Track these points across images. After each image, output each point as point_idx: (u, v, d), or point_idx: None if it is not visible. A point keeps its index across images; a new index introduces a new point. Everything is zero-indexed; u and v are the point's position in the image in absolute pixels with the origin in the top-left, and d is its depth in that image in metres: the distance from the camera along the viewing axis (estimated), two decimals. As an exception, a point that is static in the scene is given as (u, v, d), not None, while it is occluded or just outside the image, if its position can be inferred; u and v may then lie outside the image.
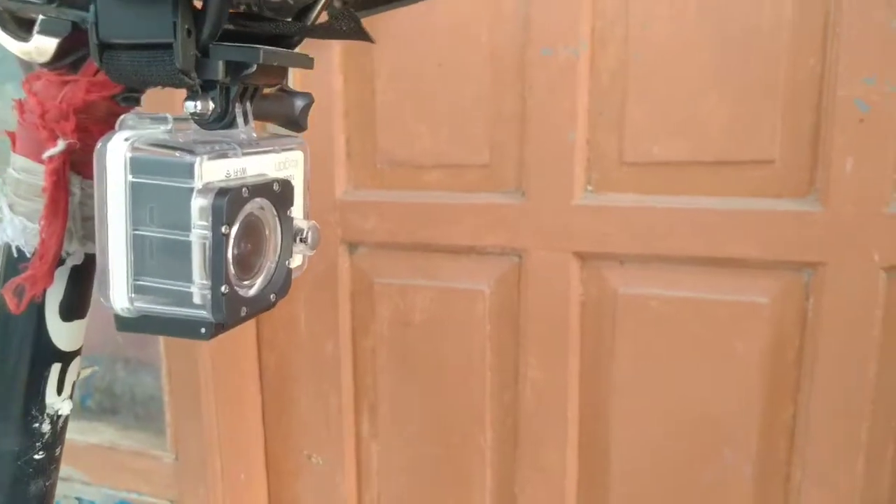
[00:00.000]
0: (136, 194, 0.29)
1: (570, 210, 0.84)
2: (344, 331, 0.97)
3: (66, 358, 0.37)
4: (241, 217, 0.30)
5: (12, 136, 0.33)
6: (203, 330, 0.31)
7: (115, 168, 0.29)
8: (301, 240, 0.35)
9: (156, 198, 0.29)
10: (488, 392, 0.93)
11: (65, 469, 1.03)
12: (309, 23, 0.33)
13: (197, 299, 0.30)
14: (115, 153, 0.29)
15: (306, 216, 0.37)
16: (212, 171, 0.29)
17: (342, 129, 0.93)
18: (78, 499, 1.05)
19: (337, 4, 0.38)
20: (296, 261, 0.37)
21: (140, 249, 0.30)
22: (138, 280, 0.30)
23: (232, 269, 0.30)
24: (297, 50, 0.34)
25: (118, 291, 0.30)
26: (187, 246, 0.29)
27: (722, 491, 0.84)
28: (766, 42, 0.74)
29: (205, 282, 0.29)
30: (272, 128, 0.53)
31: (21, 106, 0.33)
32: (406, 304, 0.94)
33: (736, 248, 0.78)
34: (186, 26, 0.28)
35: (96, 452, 1.03)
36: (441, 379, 0.94)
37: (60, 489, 1.05)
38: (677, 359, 0.83)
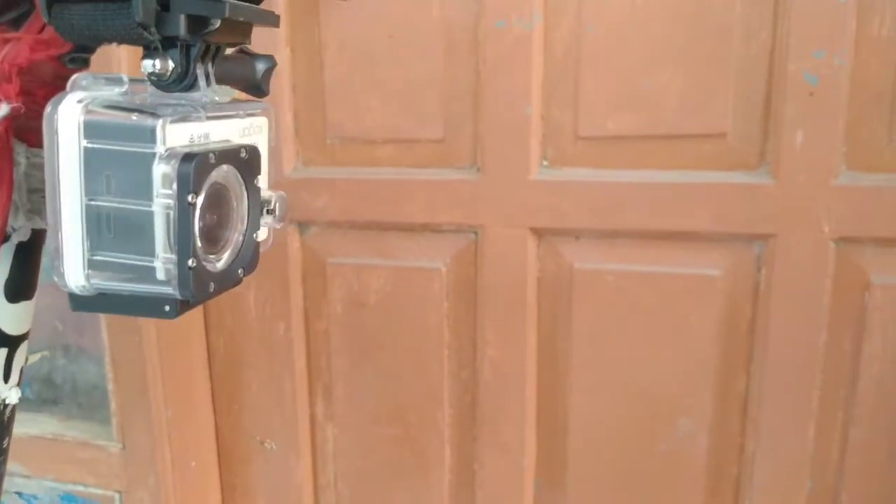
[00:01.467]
0: (92, 161, 0.27)
1: (527, 185, 0.84)
2: (296, 312, 0.95)
3: (13, 342, 0.34)
4: (207, 185, 0.28)
5: (-51, 99, 0.30)
6: (167, 308, 0.29)
7: (67, 133, 0.27)
8: (268, 211, 0.33)
9: (113, 165, 0.27)
10: (446, 370, 0.92)
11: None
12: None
13: (161, 275, 0.28)
14: (68, 117, 0.27)
15: (270, 186, 0.36)
16: (175, 135, 0.27)
17: (290, 105, 0.90)
18: (18, 493, 1.00)
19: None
20: (261, 234, 0.35)
21: (96, 222, 0.28)
22: (95, 255, 0.28)
23: (199, 242, 0.28)
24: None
25: (72, 268, 0.28)
26: (149, 217, 0.27)
27: (677, 461, 0.86)
28: (718, 16, 0.75)
29: (169, 256, 0.27)
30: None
31: (-43, 65, 0.30)
32: (360, 285, 0.92)
33: (689, 222, 0.79)
34: (145, -24, 0.26)
35: (37, 444, 0.98)
36: (398, 359, 0.93)
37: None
38: (633, 332, 0.84)
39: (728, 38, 0.75)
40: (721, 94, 0.76)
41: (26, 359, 0.36)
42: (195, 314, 0.96)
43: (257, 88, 0.36)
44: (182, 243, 0.27)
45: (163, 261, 0.27)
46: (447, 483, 0.95)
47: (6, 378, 0.34)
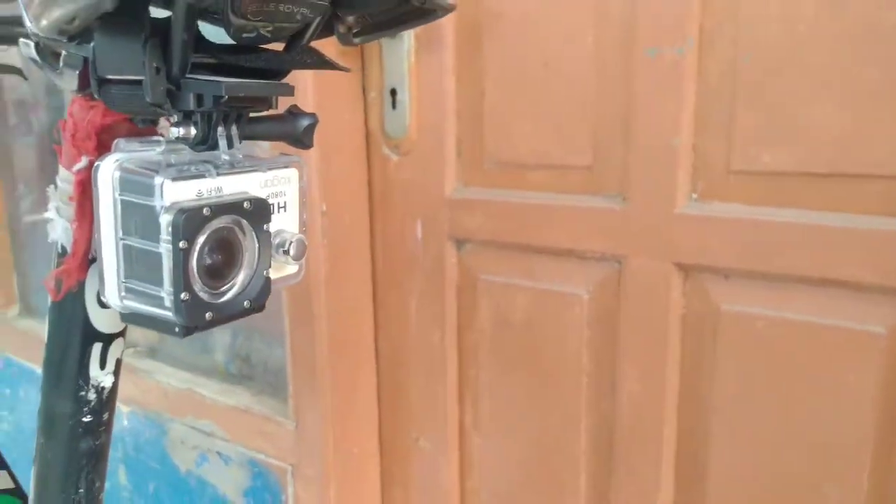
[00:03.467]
0: (122, 208, 0.34)
1: (673, 218, 0.81)
2: (450, 323, 1.00)
3: (107, 339, 0.44)
4: (206, 233, 0.34)
5: (59, 149, 0.40)
6: (177, 329, 0.35)
7: (105, 185, 0.34)
8: (284, 252, 0.38)
9: (136, 213, 0.34)
10: (584, 398, 0.91)
11: (209, 425, 1.17)
12: (291, 55, 0.36)
13: (167, 303, 0.34)
14: (106, 172, 0.34)
15: (302, 227, 0.41)
16: (180, 190, 0.33)
17: (453, 129, 0.95)
18: (219, 453, 1.18)
19: (342, 30, 0.40)
20: (289, 269, 0.40)
21: (127, 256, 0.35)
22: (126, 282, 0.35)
23: (197, 278, 0.34)
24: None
25: (111, 291, 0.35)
26: (159, 256, 0.34)
27: (825, 532, 0.77)
28: (888, 44, 0.66)
29: (170, 288, 0.34)
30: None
31: (63, 125, 0.39)
32: (507, 303, 0.95)
33: (850, 271, 0.71)
34: (155, 64, 0.32)
35: (235, 413, 1.15)
36: (539, 380, 0.95)
37: (204, 442, 1.19)
38: (782, 384, 0.77)
39: (909, 67, 0.66)
40: (889, 131, 0.67)
41: (122, 352, 0.45)
42: (365, 318, 1.06)
43: (300, 142, 0.41)
44: (175, 280, 0.33)
45: (167, 292, 0.34)
46: (581, 510, 0.95)
47: (102, 366, 0.44)
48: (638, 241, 0.83)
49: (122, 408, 1.35)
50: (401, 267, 1.03)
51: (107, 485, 1.36)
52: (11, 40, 0.40)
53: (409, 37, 0.95)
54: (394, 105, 0.99)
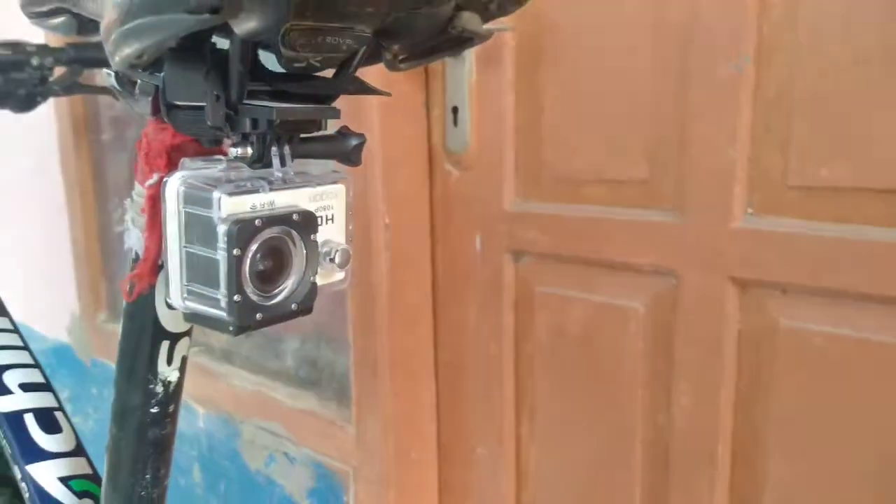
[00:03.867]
0: (186, 220, 0.38)
1: (729, 233, 0.81)
2: (507, 335, 1.02)
3: (174, 337, 0.48)
4: (258, 241, 0.37)
5: (135, 167, 0.44)
6: (231, 328, 0.39)
7: (171, 199, 0.38)
8: (331, 260, 0.42)
9: (198, 223, 0.38)
10: (640, 412, 0.92)
11: (277, 427, 1.22)
12: (336, 81, 0.40)
13: (222, 304, 0.38)
14: (172, 187, 0.38)
15: (348, 239, 0.44)
16: (236, 204, 0.37)
17: (512, 145, 0.98)
18: (286, 453, 1.23)
19: (388, 57, 0.43)
20: (336, 276, 0.44)
21: (189, 262, 0.39)
22: (188, 286, 0.39)
23: (248, 282, 0.38)
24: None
25: (175, 293, 0.39)
26: (216, 262, 0.37)
27: (886, 557, 0.75)
28: (949, 57, 0.65)
29: (225, 291, 0.37)
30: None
31: (138, 145, 0.44)
32: (563, 315, 0.96)
33: (910, 288, 0.69)
34: (215, 92, 0.36)
35: (301, 416, 1.20)
36: (594, 392, 0.95)
37: (273, 443, 1.24)
38: (840, 401, 0.76)
39: (974, 80, 0.65)
40: (952, 146, 0.66)
41: (188, 350, 0.49)
42: (425, 328, 1.09)
43: (349, 160, 0.44)
44: (229, 283, 0.37)
45: (222, 294, 0.37)
46: (636, 524, 0.95)
47: (169, 363, 0.48)
48: (694, 255, 0.84)
49: (198, 409, 1.43)
50: (460, 279, 1.06)
51: (182, 482, 1.44)
52: (105, 63, 0.45)
53: (469, 56, 0.99)
54: (455, 122, 1.02)
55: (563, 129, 0.93)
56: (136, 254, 0.45)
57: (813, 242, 0.75)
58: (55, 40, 1.58)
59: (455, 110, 1.01)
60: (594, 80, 0.89)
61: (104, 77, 0.42)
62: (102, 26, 0.34)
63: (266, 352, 1.34)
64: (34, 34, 0.83)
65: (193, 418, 1.44)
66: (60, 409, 0.66)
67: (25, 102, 0.99)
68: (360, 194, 1.03)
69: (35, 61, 0.97)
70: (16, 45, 0.97)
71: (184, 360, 0.50)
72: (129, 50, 0.32)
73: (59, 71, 1.01)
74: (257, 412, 1.28)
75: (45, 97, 1.01)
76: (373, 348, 1.06)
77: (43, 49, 0.98)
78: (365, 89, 0.40)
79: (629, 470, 0.94)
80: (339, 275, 0.44)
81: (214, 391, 1.37)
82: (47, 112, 1.67)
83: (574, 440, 0.99)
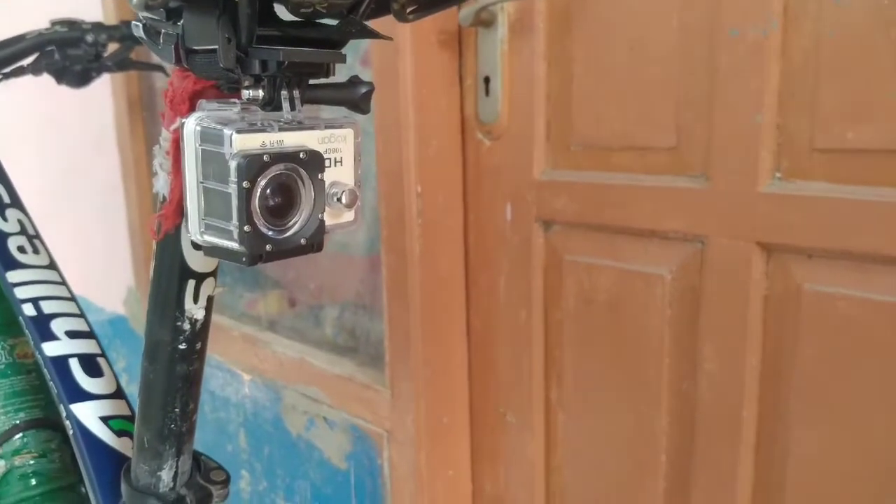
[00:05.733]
0: (202, 157, 0.41)
1: (756, 197, 0.81)
2: (536, 302, 1.04)
3: (199, 277, 0.51)
4: (267, 177, 0.40)
5: (162, 115, 0.47)
6: (244, 258, 0.42)
7: (189, 138, 0.41)
8: (337, 199, 0.44)
9: (212, 160, 0.41)
10: (665, 379, 0.92)
11: (316, 392, 1.26)
12: (339, 26, 0.42)
13: (234, 235, 0.41)
14: (189, 127, 0.41)
15: (357, 182, 0.46)
16: (246, 140, 0.40)
17: (543, 114, 0.99)
18: (325, 418, 1.27)
19: (396, 7, 0.46)
20: (345, 217, 0.46)
21: (205, 197, 0.42)
22: (205, 219, 0.42)
23: (259, 215, 0.40)
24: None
25: (194, 227, 0.42)
26: (229, 195, 0.40)
27: (910, 523, 0.75)
28: (977, 11, 0.64)
29: (236, 222, 0.40)
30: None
31: (165, 93, 0.47)
32: (591, 283, 0.97)
33: (936, 249, 0.68)
34: (226, 35, 0.39)
35: (339, 382, 1.24)
36: (620, 359, 0.96)
37: (313, 408, 1.29)
38: (865, 364, 0.75)
39: None
40: (980, 103, 0.65)
41: (213, 289, 0.53)
42: (456, 295, 1.12)
43: (358, 107, 0.47)
44: (240, 214, 0.39)
45: (233, 226, 0.40)
46: (661, 491, 0.96)
47: (195, 301, 0.51)
48: (721, 220, 0.84)
49: (243, 376, 1.49)
50: (491, 247, 1.08)
51: (229, 447, 1.50)
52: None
53: (502, 26, 1.00)
54: (487, 92, 1.03)
55: (592, 97, 0.93)
56: (163, 196, 0.49)
57: (839, 206, 0.74)
58: (110, 18, 1.65)
59: (487, 80, 1.03)
60: (623, 48, 0.90)
61: (133, 29, 0.45)
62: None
63: (307, 321, 1.39)
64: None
65: (239, 385, 1.49)
66: (103, 355, 0.71)
67: (81, 78, 1.04)
68: (393, 163, 1.06)
69: (90, 38, 1.02)
70: (72, 23, 1.02)
71: (209, 299, 0.53)
72: (143, -10, 0.35)
73: (112, 47, 1.07)
74: (298, 378, 1.33)
75: (99, 73, 1.06)
76: (405, 314, 1.09)
77: (97, 26, 1.03)
78: (368, 33, 0.42)
79: (655, 436, 0.94)
80: (349, 215, 0.46)
81: (259, 359, 1.42)
82: (103, 91, 1.74)
83: (601, 407, 1.00)
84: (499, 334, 1.10)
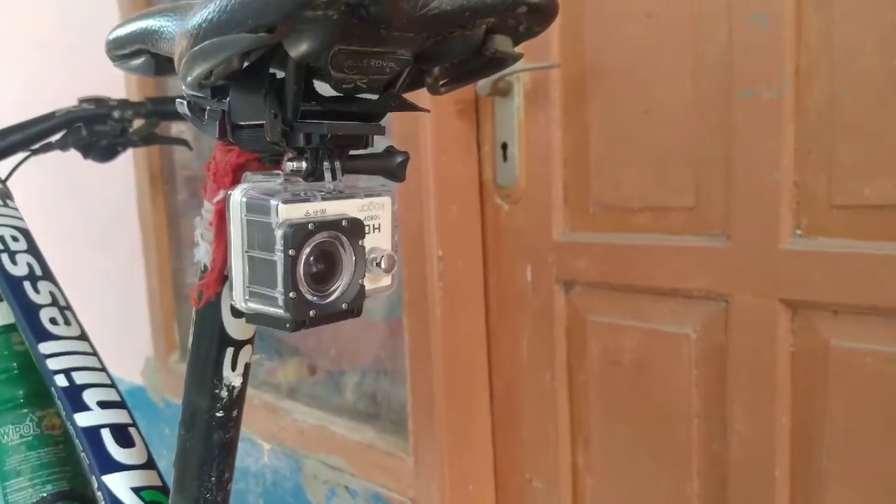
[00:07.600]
0: (248, 227, 0.42)
1: (778, 254, 0.81)
2: (560, 364, 1.04)
3: (238, 344, 0.52)
4: (311, 244, 0.41)
5: (203, 186, 0.49)
6: (287, 325, 0.42)
7: (234, 209, 0.43)
8: (377, 264, 0.45)
9: (258, 230, 0.42)
10: (695, 440, 0.91)
11: (337, 460, 1.25)
12: (379, 100, 0.44)
13: (279, 301, 0.42)
14: (236, 198, 0.43)
15: (394, 247, 0.48)
16: (291, 210, 0.41)
17: (560, 178, 1.01)
18: (346, 486, 1.26)
19: (429, 81, 0.48)
20: (383, 281, 0.47)
21: (250, 265, 0.43)
22: (250, 287, 0.43)
23: (303, 281, 0.41)
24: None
25: (239, 295, 0.43)
26: (274, 263, 0.41)
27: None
28: None
29: (281, 289, 0.41)
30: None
31: (207, 167, 0.49)
32: (615, 343, 0.97)
33: (964, 302, 0.69)
34: (273, 111, 0.41)
35: (360, 449, 1.22)
36: (649, 421, 0.95)
37: (334, 477, 1.27)
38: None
39: None
40: None
41: (250, 357, 0.53)
42: (479, 358, 1.12)
43: (394, 175, 0.48)
44: (285, 281, 0.40)
45: (279, 292, 0.41)
46: (696, 556, 0.93)
47: (233, 368, 0.52)
48: (743, 278, 0.84)
49: (263, 445, 1.47)
50: (512, 309, 1.08)
51: (247, 518, 1.46)
52: (177, 116, 0.50)
53: (518, 94, 1.03)
54: (504, 158, 1.06)
55: (609, 160, 0.95)
56: (205, 265, 0.50)
57: (861, 261, 0.75)
58: (134, 95, 1.70)
59: (504, 146, 1.05)
60: (638, 112, 0.92)
61: (177, 106, 0.47)
62: (176, 54, 0.39)
63: (328, 387, 1.38)
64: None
65: (259, 454, 1.48)
66: (134, 425, 0.71)
67: (107, 152, 1.08)
68: (414, 228, 1.07)
69: (116, 114, 1.06)
70: (99, 101, 1.06)
71: (247, 366, 0.53)
72: (198, 70, 0.37)
73: (137, 123, 1.10)
74: (320, 446, 1.31)
75: (124, 147, 1.09)
76: (428, 379, 1.09)
77: (123, 103, 1.06)
78: (406, 106, 0.44)
79: (687, 500, 0.93)
80: (386, 280, 0.47)
81: (279, 427, 1.41)
82: (126, 164, 1.79)
83: (630, 471, 0.98)
84: (523, 397, 1.09)
